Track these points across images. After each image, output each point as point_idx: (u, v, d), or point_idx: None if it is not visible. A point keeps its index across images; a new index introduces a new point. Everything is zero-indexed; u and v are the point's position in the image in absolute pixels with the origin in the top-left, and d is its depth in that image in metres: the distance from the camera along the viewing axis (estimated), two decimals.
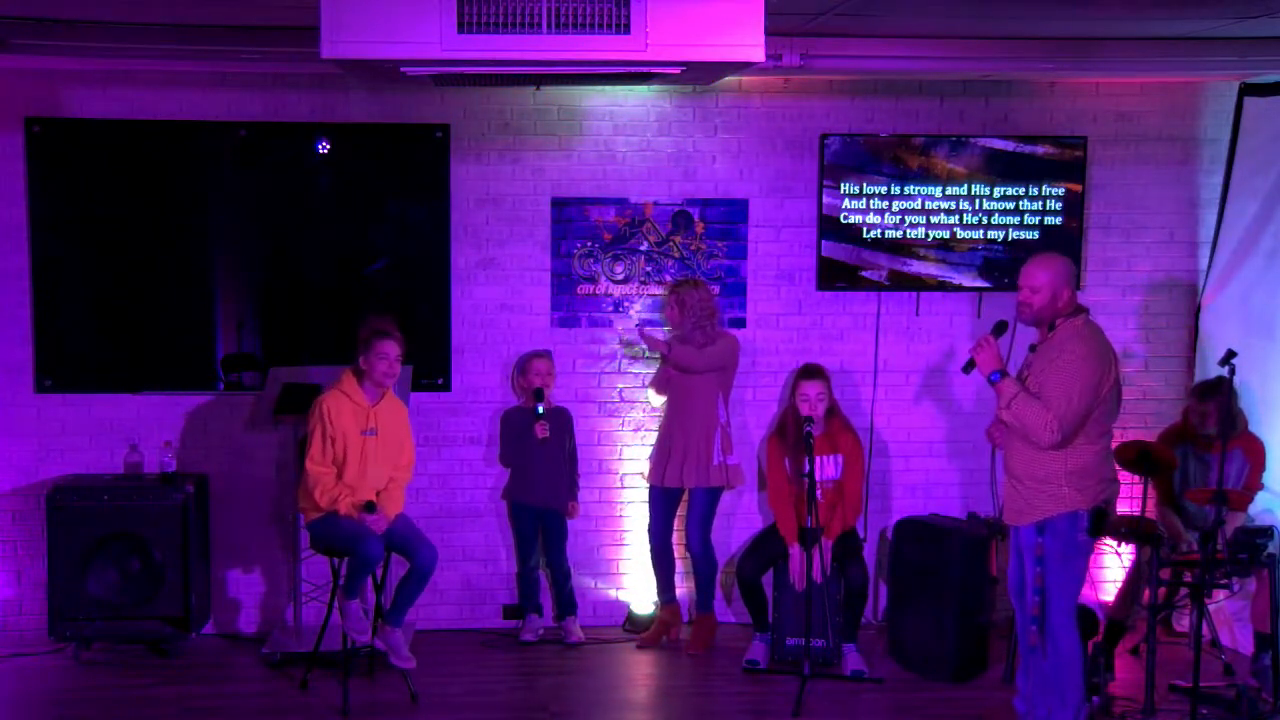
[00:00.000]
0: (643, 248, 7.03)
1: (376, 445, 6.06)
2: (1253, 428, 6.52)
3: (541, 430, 6.72)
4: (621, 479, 7.13)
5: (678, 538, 6.91)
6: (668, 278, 7.00)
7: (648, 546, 6.92)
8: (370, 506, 5.95)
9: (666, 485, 6.76)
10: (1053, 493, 5.24)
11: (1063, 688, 5.37)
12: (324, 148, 6.81)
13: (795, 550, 6.43)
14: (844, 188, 6.95)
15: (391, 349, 6.05)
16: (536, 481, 6.82)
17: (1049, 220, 7.01)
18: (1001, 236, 7.01)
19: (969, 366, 5.44)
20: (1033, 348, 5.40)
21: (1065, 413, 5.13)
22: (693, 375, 6.67)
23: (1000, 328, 5.45)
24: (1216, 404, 6.25)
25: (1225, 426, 5.84)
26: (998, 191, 6.99)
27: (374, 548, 5.92)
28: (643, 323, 7.01)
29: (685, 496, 6.80)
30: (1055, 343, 5.26)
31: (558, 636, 6.91)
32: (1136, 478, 6.22)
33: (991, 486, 6.32)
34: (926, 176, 6.96)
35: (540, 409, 6.72)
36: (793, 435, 6.50)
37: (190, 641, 6.73)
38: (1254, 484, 6.41)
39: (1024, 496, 5.33)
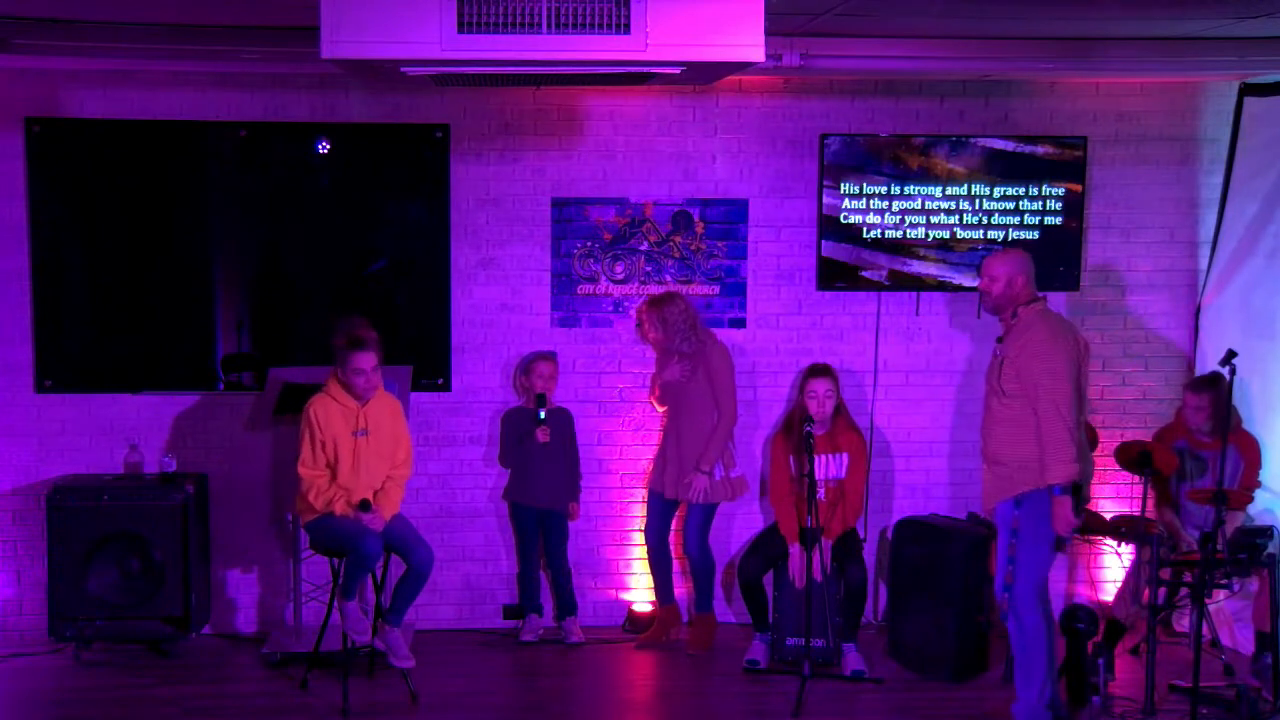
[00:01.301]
0: (643, 248, 7.02)
1: (369, 444, 6.03)
2: (1253, 428, 6.53)
3: (543, 435, 6.71)
4: (622, 479, 7.13)
5: (675, 538, 6.91)
6: (668, 278, 7.00)
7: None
8: (365, 505, 5.94)
9: (664, 495, 6.75)
10: (1035, 470, 5.44)
11: (1028, 664, 5.56)
12: (324, 148, 6.81)
13: (795, 550, 6.43)
14: (844, 188, 6.94)
15: (367, 361, 5.90)
16: (537, 483, 6.80)
17: (1049, 220, 7.01)
18: (1001, 237, 7.01)
19: (1060, 544, 5.59)
20: (999, 339, 5.64)
21: (1054, 389, 5.37)
22: (686, 389, 6.64)
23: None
24: (1210, 398, 6.29)
25: (1223, 425, 5.85)
26: (998, 191, 6.99)
27: (371, 545, 5.91)
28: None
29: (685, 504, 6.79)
30: (1020, 327, 5.53)
31: (558, 636, 6.90)
32: (1136, 477, 6.24)
33: None
34: (926, 176, 6.96)
35: (542, 414, 6.71)
36: (798, 433, 6.49)
37: (190, 641, 6.73)
38: (1250, 482, 6.42)
39: (1004, 476, 5.55)
